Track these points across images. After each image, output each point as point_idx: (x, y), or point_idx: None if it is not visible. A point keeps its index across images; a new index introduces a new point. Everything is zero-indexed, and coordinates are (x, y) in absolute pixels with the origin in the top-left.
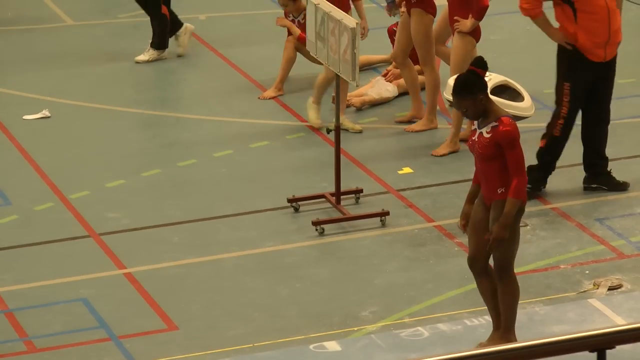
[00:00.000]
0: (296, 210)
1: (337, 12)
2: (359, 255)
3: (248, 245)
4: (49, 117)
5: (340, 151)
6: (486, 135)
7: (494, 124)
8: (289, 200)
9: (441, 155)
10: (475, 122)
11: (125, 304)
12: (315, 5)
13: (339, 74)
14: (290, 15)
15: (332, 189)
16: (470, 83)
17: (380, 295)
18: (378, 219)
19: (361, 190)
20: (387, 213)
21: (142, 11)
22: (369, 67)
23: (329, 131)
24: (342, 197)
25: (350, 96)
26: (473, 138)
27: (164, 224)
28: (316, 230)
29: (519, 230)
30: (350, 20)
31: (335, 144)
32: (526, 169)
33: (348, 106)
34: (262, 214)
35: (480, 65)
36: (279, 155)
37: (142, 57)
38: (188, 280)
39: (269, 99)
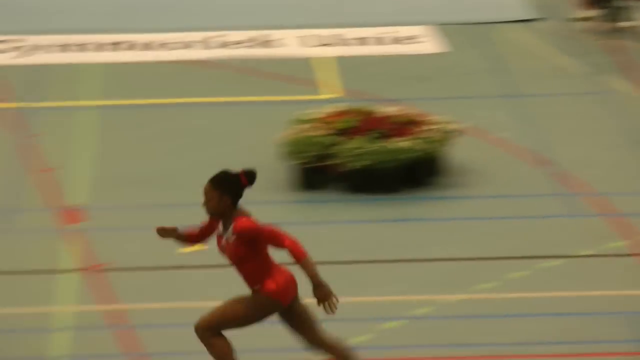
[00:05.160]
0: None
1: None
2: None
3: None
4: None
5: None
6: (232, 239)
7: (231, 226)
8: None
9: None
10: (220, 227)
11: None
12: None
13: None
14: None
15: None
16: (229, 180)
17: None
18: None
19: None
20: None
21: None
22: None
23: None
24: None
25: None
26: (222, 244)
27: None
28: None
29: (251, 314)
30: None
31: None
32: None
33: None
34: None
35: (249, 177)
36: None
37: None
38: None
39: None
